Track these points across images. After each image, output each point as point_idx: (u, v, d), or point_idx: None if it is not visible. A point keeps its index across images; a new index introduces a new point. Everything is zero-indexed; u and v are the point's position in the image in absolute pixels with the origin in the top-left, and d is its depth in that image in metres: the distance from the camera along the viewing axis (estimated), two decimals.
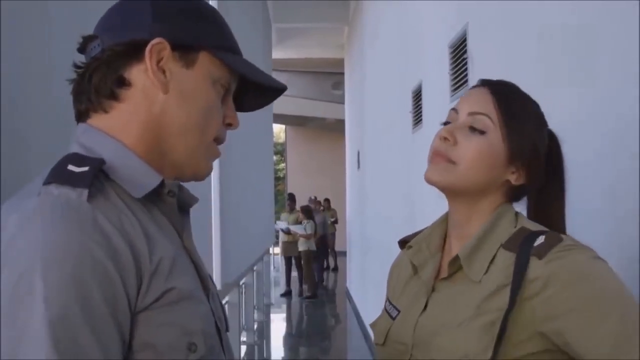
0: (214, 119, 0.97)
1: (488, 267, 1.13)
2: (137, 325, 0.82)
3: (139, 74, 0.93)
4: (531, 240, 1.11)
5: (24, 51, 1.24)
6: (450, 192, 1.21)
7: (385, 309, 1.28)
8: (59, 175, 0.84)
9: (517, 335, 1.07)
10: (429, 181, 1.19)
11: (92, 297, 0.77)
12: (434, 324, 1.14)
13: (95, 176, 0.85)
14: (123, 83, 0.93)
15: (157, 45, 0.92)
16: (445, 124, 1.22)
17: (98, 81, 0.92)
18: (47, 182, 0.83)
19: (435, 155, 1.18)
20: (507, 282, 1.09)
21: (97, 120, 0.94)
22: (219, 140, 1.01)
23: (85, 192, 0.82)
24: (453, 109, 1.22)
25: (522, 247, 1.11)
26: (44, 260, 0.76)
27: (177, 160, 0.96)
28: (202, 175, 1.00)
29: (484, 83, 1.22)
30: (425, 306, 1.19)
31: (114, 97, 0.93)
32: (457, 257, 1.16)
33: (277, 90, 1.05)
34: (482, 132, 1.16)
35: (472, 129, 1.17)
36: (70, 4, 1.45)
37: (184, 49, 0.94)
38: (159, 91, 0.93)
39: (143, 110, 0.93)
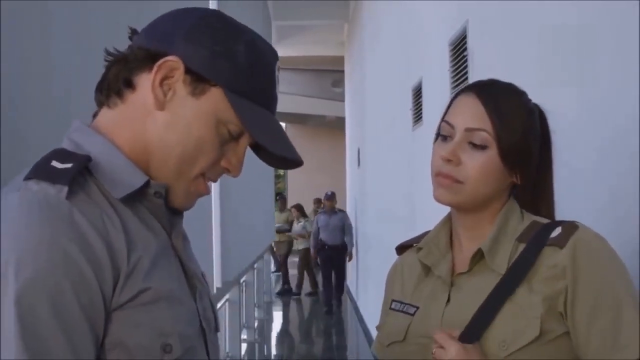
0: (201, 156, 0.94)
1: (509, 259, 1.18)
2: (111, 323, 0.82)
3: (145, 83, 0.92)
4: (547, 231, 1.16)
5: (24, 51, 1.24)
6: (460, 208, 1.24)
7: (396, 309, 1.30)
8: (40, 171, 0.84)
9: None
10: (439, 201, 1.22)
11: (64, 294, 0.77)
12: (463, 314, 1.17)
13: (79, 173, 0.85)
14: (129, 85, 0.93)
15: (170, 62, 0.91)
16: (439, 135, 1.23)
17: (113, 75, 0.94)
18: (27, 178, 0.83)
19: (441, 177, 1.20)
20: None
21: (102, 113, 0.95)
22: (208, 178, 0.97)
23: (65, 189, 0.82)
24: (446, 121, 1.23)
25: (535, 237, 1.17)
26: (17, 258, 0.76)
27: (157, 180, 0.94)
28: (175, 204, 0.96)
29: (473, 90, 1.23)
30: (448, 299, 1.21)
31: (120, 95, 0.93)
32: (479, 251, 1.19)
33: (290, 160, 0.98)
34: (482, 148, 1.18)
35: (472, 145, 1.19)
36: (70, 4, 1.45)
37: (196, 77, 0.92)
38: (155, 106, 0.92)
39: (139, 117, 0.93)
